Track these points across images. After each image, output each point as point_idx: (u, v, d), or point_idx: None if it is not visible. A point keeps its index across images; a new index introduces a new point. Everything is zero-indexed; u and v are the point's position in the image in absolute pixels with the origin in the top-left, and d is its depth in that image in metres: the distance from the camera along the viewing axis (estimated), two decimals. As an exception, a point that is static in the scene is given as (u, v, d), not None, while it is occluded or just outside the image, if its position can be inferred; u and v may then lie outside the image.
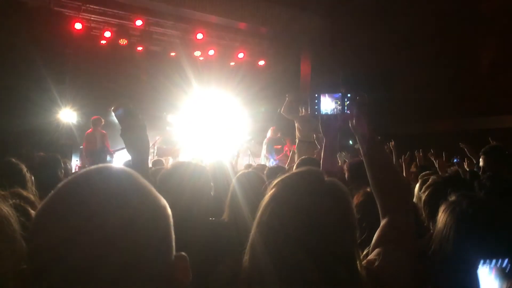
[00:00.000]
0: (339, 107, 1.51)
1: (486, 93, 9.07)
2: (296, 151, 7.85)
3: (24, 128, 7.85)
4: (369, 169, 1.38)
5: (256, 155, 9.74)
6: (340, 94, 1.51)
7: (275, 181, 1.11)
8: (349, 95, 1.49)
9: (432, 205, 2.01)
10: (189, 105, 10.71)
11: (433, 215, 1.83)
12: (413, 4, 9.59)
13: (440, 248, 1.39)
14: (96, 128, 8.72)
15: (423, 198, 2.22)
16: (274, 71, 11.24)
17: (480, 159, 4.03)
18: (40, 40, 8.72)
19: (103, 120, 8.94)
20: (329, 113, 1.53)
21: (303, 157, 3.86)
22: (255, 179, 2.25)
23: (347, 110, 1.50)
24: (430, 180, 2.29)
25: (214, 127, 10.24)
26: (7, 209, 0.79)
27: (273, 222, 1.02)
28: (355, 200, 1.93)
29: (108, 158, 8.27)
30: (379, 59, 10.19)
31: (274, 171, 3.35)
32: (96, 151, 8.27)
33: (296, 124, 8.27)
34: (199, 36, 10.92)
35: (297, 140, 8.16)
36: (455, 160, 4.75)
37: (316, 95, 1.55)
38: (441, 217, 1.45)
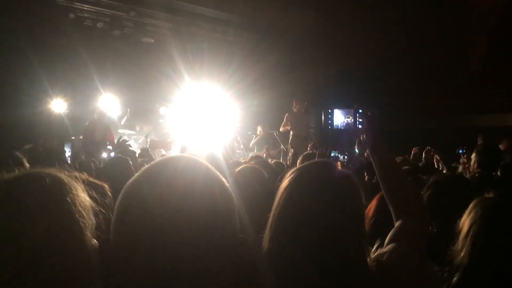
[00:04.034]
0: (351, 122, 1.59)
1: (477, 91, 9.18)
2: (289, 145, 7.88)
3: (15, 118, 7.77)
4: (381, 179, 1.45)
5: (249, 149, 9.73)
6: (352, 109, 1.58)
7: (292, 170, 1.19)
8: (360, 110, 1.55)
9: (434, 205, 2.01)
10: (182, 98, 10.67)
11: (435, 214, 1.87)
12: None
13: (470, 250, 1.37)
14: (101, 119, 8.58)
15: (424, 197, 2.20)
16: (267, 64, 11.21)
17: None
18: (32, 30, 8.62)
19: (106, 113, 8.88)
20: (339, 126, 1.60)
21: (305, 152, 4.14)
22: (255, 180, 2.06)
23: (358, 124, 1.55)
24: (431, 180, 2.26)
25: (207, 120, 10.22)
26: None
27: (289, 207, 1.10)
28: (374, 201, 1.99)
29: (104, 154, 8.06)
30: (373, 50, 10.18)
31: (277, 167, 3.40)
32: (95, 143, 8.07)
33: (286, 119, 8.23)
34: (192, 28, 10.86)
35: (290, 136, 8.14)
36: (460, 151, 4.82)
37: (330, 110, 1.64)
38: (466, 219, 1.45)
